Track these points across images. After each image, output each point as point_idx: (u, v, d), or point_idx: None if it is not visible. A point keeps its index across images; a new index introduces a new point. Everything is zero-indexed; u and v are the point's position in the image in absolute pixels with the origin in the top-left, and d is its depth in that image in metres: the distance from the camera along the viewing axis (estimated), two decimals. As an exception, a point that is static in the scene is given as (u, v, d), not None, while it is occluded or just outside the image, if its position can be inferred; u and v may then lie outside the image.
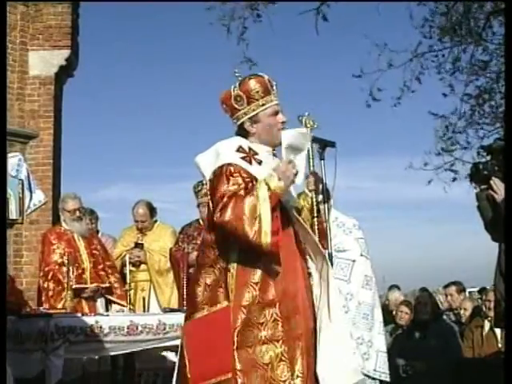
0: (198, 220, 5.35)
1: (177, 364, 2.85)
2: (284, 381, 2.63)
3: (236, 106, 2.87)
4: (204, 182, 5.21)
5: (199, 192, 5.22)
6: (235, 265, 2.71)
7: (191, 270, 5.09)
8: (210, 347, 2.70)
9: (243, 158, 2.80)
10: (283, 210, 2.77)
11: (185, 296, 5.03)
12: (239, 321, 2.66)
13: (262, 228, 2.56)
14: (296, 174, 2.68)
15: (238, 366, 2.62)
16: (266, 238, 2.56)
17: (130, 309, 4.93)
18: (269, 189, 2.62)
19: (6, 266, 3.87)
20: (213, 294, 2.75)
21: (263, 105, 2.85)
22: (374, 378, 4.17)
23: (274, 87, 2.90)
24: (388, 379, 4.24)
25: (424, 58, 9.94)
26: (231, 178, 2.71)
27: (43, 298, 4.94)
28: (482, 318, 5.47)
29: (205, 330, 2.73)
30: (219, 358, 2.65)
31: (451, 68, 10.05)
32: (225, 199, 2.64)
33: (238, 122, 2.90)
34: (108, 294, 5.15)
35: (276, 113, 2.87)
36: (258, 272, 2.70)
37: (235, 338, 2.64)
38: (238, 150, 2.83)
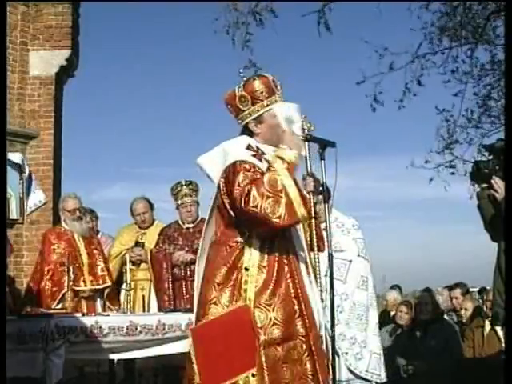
0: (177, 221, 5.33)
1: (186, 374, 2.79)
2: (313, 374, 2.66)
3: (240, 106, 2.87)
4: (185, 182, 5.23)
5: (179, 193, 5.21)
6: (253, 262, 2.71)
7: (175, 270, 5.09)
8: (228, 348, 2.67)
9: (254, 156, 2.79)
10: None
11: (171, 296, 5.02)
12: (262, 319, 2.66)
13: (291, 199, 2.57)
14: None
15: (265, 364, 2.62)
16: (301, 209, 2.59)
17: (129, 308, 4.91)
18: (283, 160, 2.66)
19: (6, 266, 3.87)
20: (224, 293, 2.72)
21: (268, 105, 2.85)
22: (366, 379, 4.15)
23: (279, 87, 2.90)
24: (380, 380, 4.21)
25: (425, 60, 9.96)
26: (247, 172, 2.69)
27: (48, 301, 4.91)
28: (482, 318, 5.46)
29: (220, 331, 2.70)
30: (239, 358, 2.64)
31: (453, 70, 10.06)
32: (246, 188, 2.60)
33: (243, 123, 2.90)
34: (104, 295, 5.15)
35: None
36: (275, 272, 2.71)
37: (261, 337, 2.64)
38: (247, 148, 2.82)
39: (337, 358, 4.05)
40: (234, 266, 2.72)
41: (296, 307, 2.70)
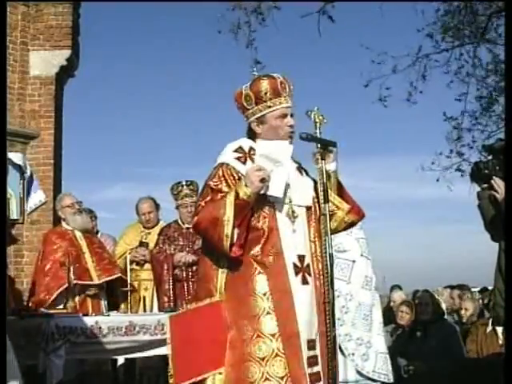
0: (176, 221, 5.33)
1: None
2: (281, 377, 2.63)
3: (245, 105, 2.90)
4: (185, 183, 5.23)
5: (179, 193, 5.20)
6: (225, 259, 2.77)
7: (177, 271, 5.07)
8: (197, 342, 2.73)
9: (238, 158, 2.85)
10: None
11: (171, 297, 5.00)
12: (232, 315, 2.70)
13: (222, 232, 2.66)
14: (263, 181, 2.70)
15: (231, 361, 2.66)
16: (226, 243, 2.67)
17: (129, 309, 4.91)
18: (237, 195, 2.68)
19: (6, 266, 3.86)
20: (200, 287, 2.84)
21: (270, 107, 2.85)
22: (373, 380, 4.15)
23: (287, 89, 2.90)
24: (388, 380, 4.21)
25: (428, 59, 10.01)
26: (217, 183, 2.80)
27: (41, 295, 4.87)
28: (487, 317, 5.48)
29: (192, 324, 2.78)
30: (209, 354, 2.70)
31: (456, 72, 10.10)
32: (202, 203, 2.79)
33: (247, 122, 2.93)
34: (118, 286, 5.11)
35: (284, 115, 2.87)
36: (252, 267, 2.73)
37: (229, 334, 2.68)
38: (235, 150, 2.89)
39: (343, 359, 4.06)
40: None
41: (265, 304, 2.70)
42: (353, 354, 4.10)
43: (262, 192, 2.73)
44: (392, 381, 4.22)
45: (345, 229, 3.09)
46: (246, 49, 9.42)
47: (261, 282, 2.72)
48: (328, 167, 2.84)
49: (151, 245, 5.52)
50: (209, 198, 2.77)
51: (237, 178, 2.80)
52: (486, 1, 9.60)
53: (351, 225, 3.08)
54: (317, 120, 2.87)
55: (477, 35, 9.84)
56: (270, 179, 2.73)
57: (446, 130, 10.41)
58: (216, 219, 2.67)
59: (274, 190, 2.76)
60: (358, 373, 4.14)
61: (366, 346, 4.14)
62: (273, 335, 2.67)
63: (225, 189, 2.77)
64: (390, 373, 4.25)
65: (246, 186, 2.68)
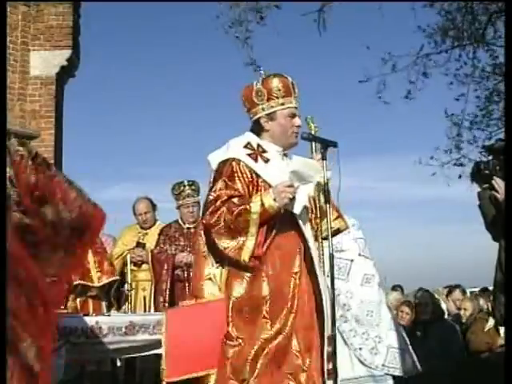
0: (177, 221, 5.30)
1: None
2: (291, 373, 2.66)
3: (255, 100, 2.89)
4: (187, 182, 5.20)
5: (181, 193, 5.17)
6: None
7: (178, 272, 5.05)
8: (190, 340, 2.73)
9: (249, 155, 2.83)
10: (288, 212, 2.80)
11: (166, 298, 4.98)
12: (231, 314, 2.68)
13: (244, 244, 2.63)
14: (293, 199, 2.68)
15: (226, 358, 2.64)
16: (246, 255, 2.64)
17: (130, 309, 4.91)
18: (262, 205, 2.65)
19: (5, 266, 3.86)
20: (196, 286, 2.85)
21: (282, 104, 2.87)
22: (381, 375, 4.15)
23: (296, 91, 2.93)
24: (399, 374, 4.19)
25: (428, 59, 10.01)
26: (231, 179, 2.75)
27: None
28: (487, 314, 5.49)
29: (186, 321, 2.78)
30: (205, 353, 2.68)
31: (455, 74, 10.11)
32: (218, 203, 2.69)
33: (255, 117, 2.92)
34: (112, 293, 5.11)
35: (293, 115, 2.89)
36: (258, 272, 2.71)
37: (231, 332, 2.66)
38: (245, 146, 2.86)
39: (350, 354, 4.06)
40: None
41: (262, 308, 2.69)
42: (360, 349, 4.11)
43: (286, 208, 2.72)
44: (401, 374, 4.21)
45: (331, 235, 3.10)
46: (243, 48, 9.38)
47: (263, 286, 2.71)
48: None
49: (148, 245, 5.52)
50: (225, 198, 2.71)
51: (249, 175, 2.78)
52: (486, 1, 9.60)
53: (336, 232, 3.07)
54: (311, 128, 2.92)
55: (476, 36, 9.85)
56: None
57: (447, 126, 10.39)
58: (237, 230, 2.64)
59: (296, 207, 2.76)
60: (365, 367, 4.14)
61: (374, 341, 4.14)
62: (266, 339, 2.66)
63: (239, 186, 2.74)
64: (400, 367, 4.23)
65: (274, 200, 2.66)
